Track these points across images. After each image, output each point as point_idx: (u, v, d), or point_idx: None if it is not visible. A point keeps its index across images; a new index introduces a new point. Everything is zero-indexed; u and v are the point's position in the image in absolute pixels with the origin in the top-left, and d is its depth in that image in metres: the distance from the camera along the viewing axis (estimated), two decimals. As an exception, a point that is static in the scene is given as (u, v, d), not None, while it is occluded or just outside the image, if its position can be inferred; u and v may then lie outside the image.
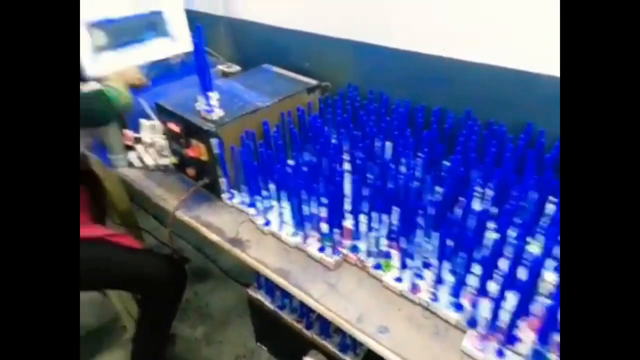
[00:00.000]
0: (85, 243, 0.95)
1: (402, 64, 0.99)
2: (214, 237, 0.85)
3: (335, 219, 0.76)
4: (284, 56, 1.26)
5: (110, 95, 0.92)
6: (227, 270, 1.60)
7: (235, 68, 1.23)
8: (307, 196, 0.75)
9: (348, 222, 0.81)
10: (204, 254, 1.68)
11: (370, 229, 0.74)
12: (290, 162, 0.89)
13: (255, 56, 1.31)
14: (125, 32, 1.12)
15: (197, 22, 1.41)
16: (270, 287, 1.09)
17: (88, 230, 0.97)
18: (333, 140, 0.89)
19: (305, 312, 1.03)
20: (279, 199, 0.87)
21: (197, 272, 1.61)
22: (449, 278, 0.69)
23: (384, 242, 0.74)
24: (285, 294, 1.05)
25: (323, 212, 0.76)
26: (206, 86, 0.85)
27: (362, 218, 0.76)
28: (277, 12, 1.26)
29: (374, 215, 0.72)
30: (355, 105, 0.98)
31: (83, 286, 0.96)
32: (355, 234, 0.79)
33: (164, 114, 0.95)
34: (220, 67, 1.21)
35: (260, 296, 1.13)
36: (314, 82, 1.04)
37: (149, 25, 1.17)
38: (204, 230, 0.88)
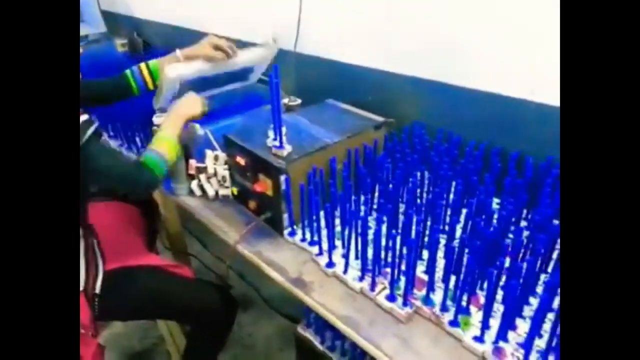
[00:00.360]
0: (143, 271, 0.97)
1: (477, 104, 0.96)
2: (276, 276, 0.83)
3: (407, 267, 0.71)
4: (346, 90, 1.26)
5: (152, 163, 0.89)
6: (269, 298, 1.57)
7: (298, 101, 1.23)
8: (375, 238, 0.72)
9: (420, 270, 0.76)
10: (247, 282, 1.66)
11: (446, 280, 0.70)
12: (359, 198, 0.86)
13: (316, 90, 1.32)
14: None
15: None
16: (320, 326, 1.04)
17: (146, 259, 0.98)
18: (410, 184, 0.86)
19: (357, 356, 0.97)
20: (344, 239, 0.84)
21: (240, 300, 1.59)
22: (541, 343, 0.63)
23: (462, 296, 0.69)
24: (337, 335, 1.00)
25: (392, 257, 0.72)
26: (279, 123, 0.84)
27: (438, 267, 0.71)
28: (342, 46, 1.26)
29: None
30: (424, 145, 0.95)
31: (138, 315, 0.96)
32: (429, 284, 0.74)
33: (232, 146, 0.95)
34: (284, 100, 1.22)
35: (310, 335, 1.08)
36: (380, 118, 1.03)
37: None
38: (265, 268, 0.85)
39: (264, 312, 1.54)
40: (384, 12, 1.10)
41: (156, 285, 0.94)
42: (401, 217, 0.88)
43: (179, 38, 1.89)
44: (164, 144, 0.92)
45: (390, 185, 0.90)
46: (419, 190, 0.89)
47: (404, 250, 0.74)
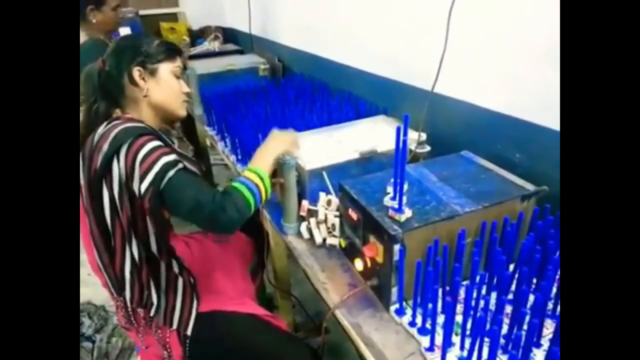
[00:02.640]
0: (238, 318, 0.94)
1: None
2: (373, 363, 0.70)
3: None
4: (486, 142, 1.07)
5: (250, 197, 0.83)
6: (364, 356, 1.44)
7: (427, 149, 1.09)
8: (509, 346, 0.54)
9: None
10: (343, 329, 1.55)
11: None
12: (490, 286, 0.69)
13: (451, 137, 1.16)
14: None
15: (404, 95, 1.38)
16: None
17: (244, 305, 0.95)
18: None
19: None
20: (463, 339, 0.68)
21: (334, 350, 1.49)
22: None
23: None
24: None
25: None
26: (402, 183, 0.72)
27: None
28: (485, 89, 1.09)
29: None
30: (591, 232, 0.72)
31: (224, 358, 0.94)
32: None
33: (346, 197, 0.86)
34: (411, 146, 1.09)
35: None
36: (530, 186, 0.82)
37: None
38: (362, 348, 0.73)
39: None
40: (547, 55, 0.90)
41: (248, 336, 0.90)
42: (548, 331, 0.67)
43: (317, 66, 1.92)
44: (257, 178, 0.88)
45: (535, 282, 0.71)
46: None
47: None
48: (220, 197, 0.81)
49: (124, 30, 2.57)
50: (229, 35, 2.97)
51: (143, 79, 0.91)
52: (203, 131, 2.05)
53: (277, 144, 0.95)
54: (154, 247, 0.87)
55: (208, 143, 2.49)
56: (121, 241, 0.83)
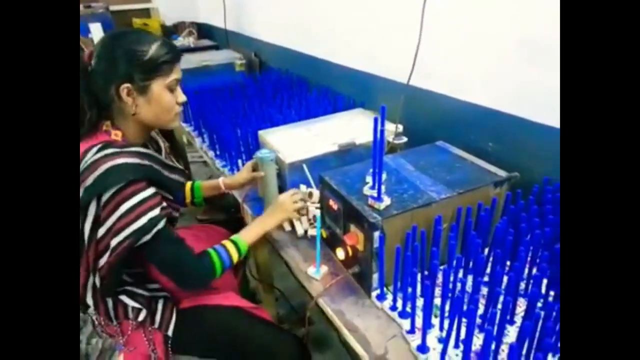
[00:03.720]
0: (221, 312, 0.94)
1: None
2: (357, 348, 0.72)
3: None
4: (461, 133, 1.11)
5: (216, 260, 0.87)
6: (347, 342, 1.46)
7: (403, 139, 1.12)
8: (486, 331, 0.57)
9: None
10: (327, 319, 1.57)
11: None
12: (466, 270, 0.72)
13: (426, 128, 1.19)
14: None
15: (380, 89, 1.39)
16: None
17: (226, 297, 0.95)
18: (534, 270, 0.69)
19: None
20: (442, 319, 0.70)
21: (318, 339, 1.51)
22: None
23: None
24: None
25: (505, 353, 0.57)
26: (380, 173, 0.74)
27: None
28: (460, 82, 1.12)
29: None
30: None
31: (212, 354, 0.94)
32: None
33: (327, 188, 0.87)
34: (388, 138, 1.11)
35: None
36: (502, 173, 0.86)
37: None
38: (346, 334, 0.75)
39: (341, 357, 1.43)
40: (521, 48, 0.94)
41: (233, 328, 0.90)
42: (520, 309, 0.71)
43: (294, 61, 1.93)
44: (234, 250, 0.91)
45: (508, 264, 0.74)
46: (546, 281, 0.70)
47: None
48: (194, 262, 0.85)
49: (95, 27, 2.50)
50: (204, 30, 2.93)
51: (131, 96, 0.79)
52: (179, 128, 2.02)
53: (276, 217, 0.98)
54: (125, 277, 0.88)
55: (185, 140, 2.45)
56: (85, 270, 0.81)
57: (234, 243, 0.91)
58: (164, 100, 0.83)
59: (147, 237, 0.77)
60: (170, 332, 0.89)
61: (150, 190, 0.78)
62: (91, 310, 0.89)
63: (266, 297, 1.42)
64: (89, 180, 0.73)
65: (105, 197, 0.74)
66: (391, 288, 0.80)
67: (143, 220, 0.75)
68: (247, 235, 0.95)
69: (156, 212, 0.77)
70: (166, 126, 0.90)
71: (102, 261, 0.78)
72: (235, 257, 0.91)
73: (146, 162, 0.80)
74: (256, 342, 0.91)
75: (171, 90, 0.85)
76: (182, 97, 0.89)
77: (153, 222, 0.76)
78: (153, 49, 0.79)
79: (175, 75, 0.84)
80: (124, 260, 0.78)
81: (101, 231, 0.76)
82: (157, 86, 0.82)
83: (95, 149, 0.76)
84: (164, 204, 0.81)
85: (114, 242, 0.75)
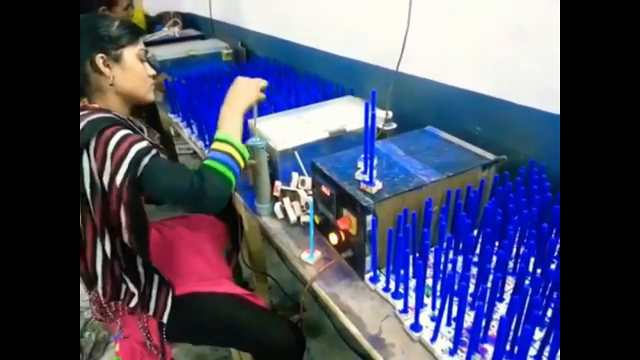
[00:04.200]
0: (216, 299, 0.95)
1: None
2: (352, 328, 0.74)
3: (517, 344, 0.57)
4: (449, 118, 1.12)
5: (226, 171, 0.82)
6: (342, 329, 1.49)
7: (393, 126, 1.13)
8: (477, 308, 0.59)
9: (532, 355, 0.61)
10: (321, 306, 1.59)
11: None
12: (457, 250, 0.73)
13: (415, 114, 1.20)
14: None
15: (369, 76, 1.40)
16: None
17: (220, 285, 0.96)
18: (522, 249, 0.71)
19: None
20: (434, 299, 0.72)
21: (312, 326, 1.53)
22: None
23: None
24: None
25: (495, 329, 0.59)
26: (372, 158, 0.75)
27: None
28: (447, 67, 1.13)
29: None
30: (545, 194, 0.78)
31: (208, 341, 0.95)
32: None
33: (318, 174, 0.88)
34: (378, 124, 1.12)
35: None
36: (490, 156, 0.88)
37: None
38: (341, 316, 0.77)
39: (335, 343, 1.46)
40: (509, 32, 0.95)
41: (227, 314, 0.91)
42: (509, 287, 0.73)
43: (282, 50, 1.91)
44: (225, 145, 0.86)
45: (497, 244, 0.76)
46: (534, 259, 0.72)
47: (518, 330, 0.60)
48: (198, 181, 0.79)
49: (76, 17, 2.44)
50: (189, 20, 2.89)
51: (107, 66, 0.86)
52: (166, 119, 2.00)
53: (245, 95, 0.92)
54: (130, 240, 0.84)
55: (172, 131, 2.43)
56: (92, 236, 0.81)
57: (220, 141, 0.86)
58: (138, 68, 0.91)
59: (145, 161, 0.77)
60: (165, 319, 0.90)
61: (128, 130, 0.80)
62: (98, 285, 0.87)
63: (259, 285, 1.43)
64: None
65: (91, 147, 0.75)
66: (384, 270, 0.81)
67: (132, 152, 0.76)
68: (227, 127, 0.89)
69: (142, 144, 0.78)
70: (143, 99, 0.95)
71: (112, 216, 0.79)
72: (231, 151, 0.85)
73: (122, 121, 0.85)
74: (251, 329, 0.92)
75: (142, 60, 0.93)
76: (152, 70, 0.96)
77: (142, 151, 0.77)
78: (115, 25, 0.89)
79: (142, 45, 0.94)
80: (138, 210, 0.80)
81: (105, 180, 0.76)
82: (129, 54, 0.89)
83: None
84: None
85: (118, 180, 0.76)
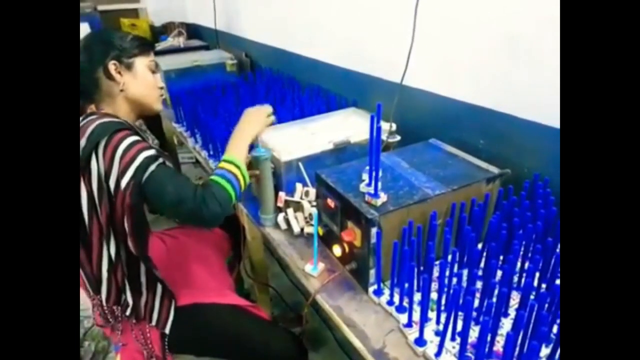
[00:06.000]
0: (218, 310, 0.94)
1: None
2: (356, 342, 0.73)
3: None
4: (453, 130, 1.13)
5: (229, 188, 0.83)
6: (343, 341, 1.47)
7: (397, 138, 1.13)
8: (482, 324, 0.58)
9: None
10: (322, 318, 1.58)
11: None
12: (462, 263, 0.73)
13: (418, 127, 1.20)
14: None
15: (373, 88, 1.41)
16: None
17: (223, 296, 0.96)
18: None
19: None
20: (439, 313, 0.72)
21: (313, 338, 1.52)
22: None
23: None
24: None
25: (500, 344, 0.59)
26: (377, 170, 0.76)
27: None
28: (451, 81, 1.14)
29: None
30: (550, 208, 0.78)
31: (210, 353, 0.94)
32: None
33: (323, 186, 0.88)
34: (382, 136, 1.13)
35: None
36: (494, 169, 0.88)
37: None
38: (344, 330, 0.76)
39: (336, 355, 1.45)
40: (507, 47, 0.96)
41: (230, 326, 0.91)
42: (514, 302, 0.73)
43: (286, 61, 1.93)
44: (231, 166, 0.88)
45: (502, 258, 0.76)
46: (539, 273, 0.72)
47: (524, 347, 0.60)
48: (201, 191, 0.81)
49: (83, 27, 2.47)
50: (193, 31, 2.92)
51: (119, 72, 0.91)
52: (170, 129, 2.01)
53: (253, 125, 0.95)
54: (132, 247, 0.85)
55: (175, 141, 2.44)
56: (98, 239, 0.82)
57: (226, 161, 0.89)
58: (148, 77, 0.96)
59: (151, 168, 0.79)
60: (167, 330, 0.89)
61: (138, 136, 0.82)
62: (103, 289, 0.87)
63: (261, 297, 1.43)
64: (82, 142, 0.77)
65: (100, 148, 0.77)
66: (388, 283, 0.81)
67: (140, 158, 0.78)
68: (234, 151, 0.91)
69: (150, 152, 0.80)
70: (151, 108, 0.98)
71: (118, 218, 0.81)
72: (235, 171, 0.87)
73: (131, 127, 0.88)
74: (254, 340, 0.91)
75: (152, 71, 0.98)
76: (161, 82, 1.01)
77: (150, 158, 0.79)
78: (129, 37, 0.95)
79: (153, 58, 0.99)
80: (140, 216, 0.82)
81: (112, 183, 0.78)
82: (140, 63, 0.95)
83: (80, 119, 0.83)
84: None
85: (123, 183, 0.77)
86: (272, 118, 1.00)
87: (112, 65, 0.89)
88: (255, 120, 0.96)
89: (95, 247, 0.82)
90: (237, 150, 0.91)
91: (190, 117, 1.56)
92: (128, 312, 0.88)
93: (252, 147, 0.98)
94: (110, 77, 0.90)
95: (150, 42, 1.00)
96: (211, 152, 1.41)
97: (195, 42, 2.64)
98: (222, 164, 0.89)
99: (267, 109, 1.00)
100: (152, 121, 2.29)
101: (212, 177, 0.86)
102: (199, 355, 0.99)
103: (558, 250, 0.72)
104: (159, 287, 0.91)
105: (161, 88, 1.00)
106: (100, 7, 2.82)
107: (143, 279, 0.89)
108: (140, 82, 0.93)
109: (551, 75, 0.87)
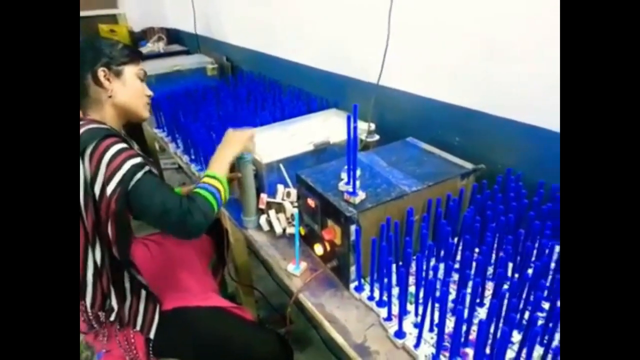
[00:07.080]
0: (202, 313, 0.95)
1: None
2: (338, 338, 0.74)
3: (496, 346, 0.59)
4: (429, 129, 1.16)
5: (213, 200, 0.85)
6: (328, 340, 1.49)
7: (375, 137, 1.16)
8: (457, 312, 0.61)
9: (510, 357, 0.63)
10: (306, 318, 1.59)
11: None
12: (438, 256, 0.75)
13: (396, 126, 1.23)
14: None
15: (352, 89, 1.43)
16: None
17: (207, 298, 0.96)
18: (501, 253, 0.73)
19: None
20: (417, 306, 0.74)
21: (299, 338, 1.52)
22: None
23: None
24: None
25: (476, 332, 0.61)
26: (354, 169, 0.77)
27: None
28: (427, 81, 1.17)
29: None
30: (522, 201, 0.81)
31: (195, 357, 0.94)
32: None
33: (303, 186, 0.90)
34: (361, 136, 1.15)
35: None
36: (468, 165, 0.91)
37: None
38: (327, 326, 0.78)
39: (321, 354, 1.46)
40: (483, 48, 0.99)
41: (215, 328, 0.91)
42: (489, 292, 0.75)
43: (267, 64, 1.94)
44: (213, 180, 0.90)
45: (477, 250, 0.79)
46: (511, 264, 0.75)
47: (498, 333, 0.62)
48: (186, 202, 0.82)
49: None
50: (173, 36, 2.91)
51: (108, 79, 0.91)
52: (151, 134, 2.00)
53: (233, 145, 0.96)
54: (116, 253, 0.85)
55: (157, 147, 2.42)
56: (84, 245, 0.81)
57: (209, 177, 0.90)
58: (136, 84, 0.97)
59: (138, 176, 0.79)
60: (152, 335, 0.89)
61: (125, 144, 0.83)
62: (87, 294, 0.87)
63: (246, 300, 1.43)
64: None
65: (87, 154, 0.77)
66: (368, 279, 0.83)
67: (127, 165, 0.79)
68: (216, 168, 0.92)
69: (137, 159, 0.81)
70: (138, 115, 0.99)
71: (103, 225, 0.81)
72: (218, 185, 0.89)
73: (118, 134, 0.88)
74: (239, 342, 0.92)
75: (140, 79, 0.99)
76: (148, 91, 1.02)
77: (137, 166, 0.80)
78: (119, 45, 0.96)
79: (142, 67, 0.99)
80: (124, 223, 0.82)
81: (97, 189, 0.78)
82: (129, 71, 0.95)
83: None
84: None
85: (108, 191, 0.77)
86: (255, 142, 1.02)
87: (101, 72, 0.90)
88: (237, 141, 0.97)
89: (80, 254, 0.82)
90: (219, 167, 0.93)
91: (171, 122, 1.55)
92: (112, 317, 0.88)
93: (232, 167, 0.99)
94: (98, 83, 0.90)
95: (139, 51, 1.02)
96: (192, 157, 1.41)
97: (176, 47, 2.63)
98: (205, 179, 0.90)
99: (251, 131, 1.01)
100: (133, 127, 2.27)
101: (196, 189, 0.87)
102: (183, 360, 0.99)
103: (529, 241, 0.75)
104: (143, 292, 0.91)
105: (149, 96, 1.01)
106: (78, 13, 2.78)
107: (127, 285, 0.89)
108: (128, 90, 0.94)
109: (526, 74, 0.90)
